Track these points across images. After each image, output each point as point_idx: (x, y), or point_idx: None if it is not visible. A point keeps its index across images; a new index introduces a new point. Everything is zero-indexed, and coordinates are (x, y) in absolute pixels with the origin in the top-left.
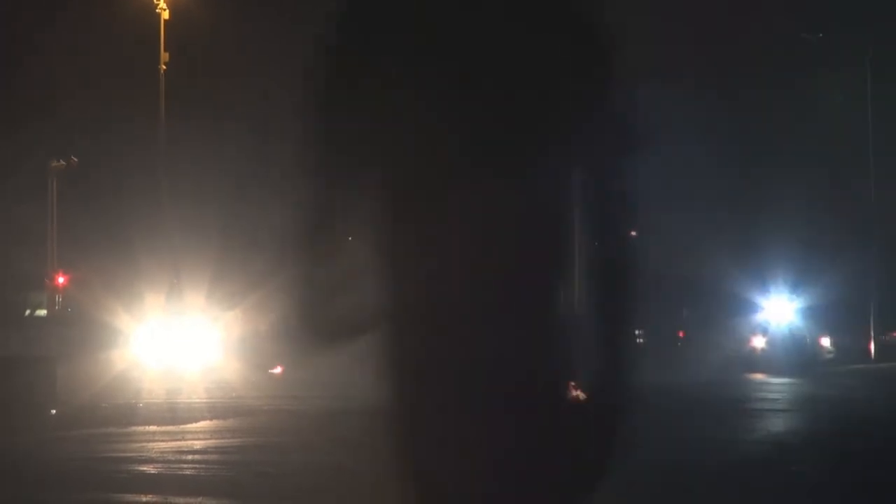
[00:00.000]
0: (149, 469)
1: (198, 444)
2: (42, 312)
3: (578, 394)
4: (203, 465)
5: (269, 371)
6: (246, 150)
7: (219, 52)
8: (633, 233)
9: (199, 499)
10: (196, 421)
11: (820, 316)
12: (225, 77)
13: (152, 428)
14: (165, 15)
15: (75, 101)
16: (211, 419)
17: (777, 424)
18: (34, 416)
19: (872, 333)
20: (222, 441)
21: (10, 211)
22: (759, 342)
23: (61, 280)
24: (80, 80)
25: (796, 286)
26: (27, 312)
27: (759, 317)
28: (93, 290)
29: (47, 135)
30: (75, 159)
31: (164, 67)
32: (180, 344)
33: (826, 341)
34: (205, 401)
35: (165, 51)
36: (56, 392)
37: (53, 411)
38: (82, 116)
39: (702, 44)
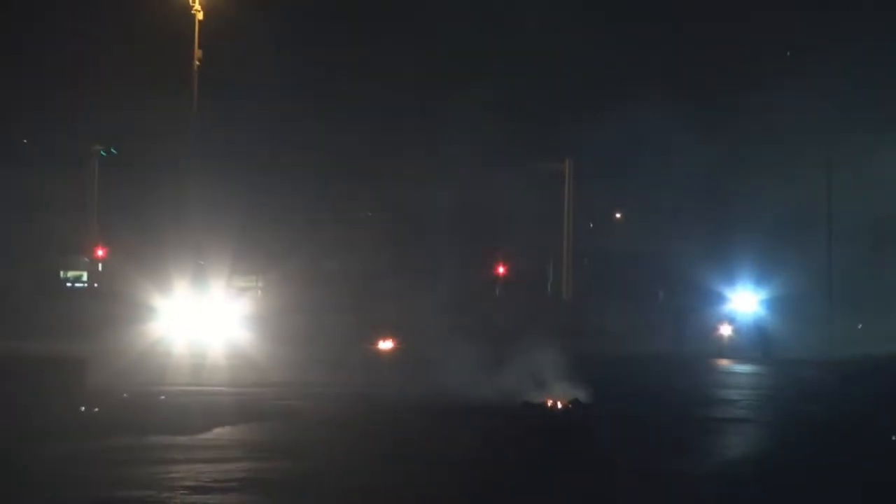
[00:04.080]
0: None
1: (206, 475)
2: (83, 278)
3: None
4: None
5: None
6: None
7: (249, 42)
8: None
9: None
10: (210, 429)
11: (781, 307)
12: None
13: (167, 439)
14: (200, 16)
15: (115, 89)
16: (225, 426)
17: None
18: (65, 413)
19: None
20: (231, 469)
21: (50, 184)
22: (726, 330)
23: (101, 252)
24: (121, 71)
25: (760, 279)
26: (64, 275)
27: (727, 307)
28: (125, 265)
29: (88, 118)
30: (115, 151)
31: (198, 63)
32: (205, 319)
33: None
34: (225, 389)
35: (199, 48)
36: (84, 390)
37: (83, 408)
38: (121, 104)
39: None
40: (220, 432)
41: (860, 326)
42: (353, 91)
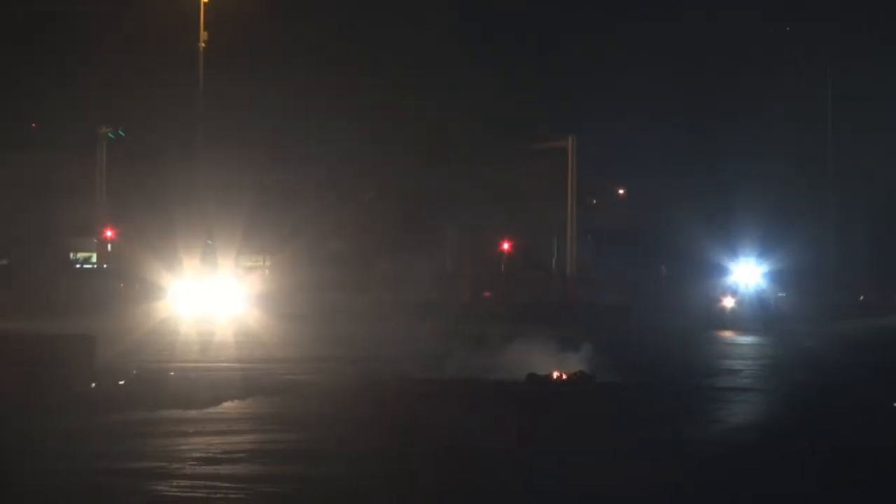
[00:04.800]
0: (163, 489)
1: (216, 447)
2: (92, 259)
3: None
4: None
5: None
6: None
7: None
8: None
9: None
10: (219, 403)
11: (783, 279)
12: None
13: (177, 413)
14: None
15: (123, 73)
16: (233, 400)
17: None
18: (77, 389)
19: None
20: (240, 441)
21: (60, 167)
22: (728, 302)
23: (109, 234)
24: (128, 55)
25: (762, 252)
26: (74, 256)
27: (729, 279)
28: (134, 245)
29: (97, 101)
30: (122, 133)
31: (204, 45)
32: (212, 296)
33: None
34: (233, 365)
35: (204, 30)
36: (95, 367)
37: (94, 384)
38: (129, 86)
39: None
40: (228, 406)
41: (861, 298)
42: (361, 71)
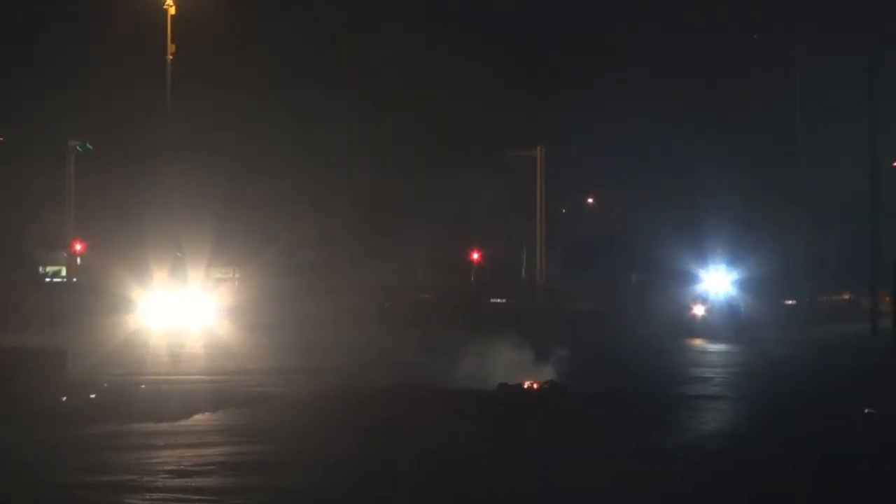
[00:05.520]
0: (135, 502)
1: (187, 460)
2: (62, 272)
3: None
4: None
5: None
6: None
7: (224, 37)
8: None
9: None
10: (190, 416)
11: (753, 287)
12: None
13: (148, 426)
14: (172, 11)
15: (91, 85)
16: (204, 412)
17: None
18: (48, 402)
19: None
20: (211, 453)
21: (34, 179)
22: (699, 310)
23: (79, 247)
24: (96, 67)
25: (733, 260)
26: (43, 269)
27: (699, 287)
28: (104, 258)
29: (66, 114)
30: (90, 146)
31: (171, 57)
32: (182, 308)
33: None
34: (204, 377)
35: (172, 42)
36: (66, 380)
37: (65, 398)
38: (97, 99)
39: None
40: (199, 419)
41: (830, 302)
42: (329, 83)
